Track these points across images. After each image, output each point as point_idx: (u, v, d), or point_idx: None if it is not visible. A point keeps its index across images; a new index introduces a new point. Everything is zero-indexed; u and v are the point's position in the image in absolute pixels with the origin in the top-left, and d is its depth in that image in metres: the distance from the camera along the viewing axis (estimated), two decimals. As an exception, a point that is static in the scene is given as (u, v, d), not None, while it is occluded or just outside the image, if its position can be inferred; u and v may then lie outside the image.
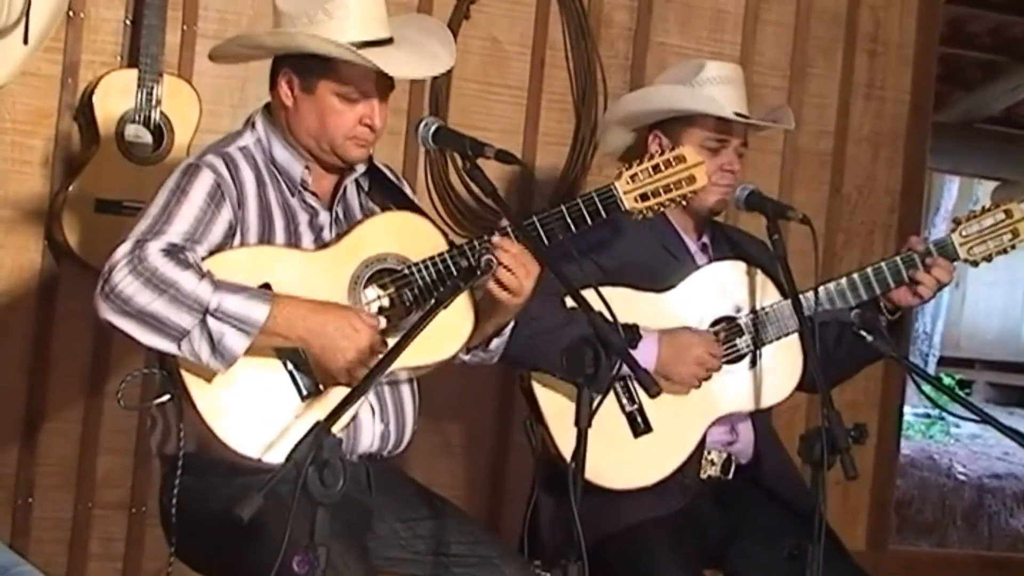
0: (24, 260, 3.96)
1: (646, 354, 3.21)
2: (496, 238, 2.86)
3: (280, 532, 2.31)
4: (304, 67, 2.89)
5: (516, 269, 2.84)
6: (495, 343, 3.07)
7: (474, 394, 4.07)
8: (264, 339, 2.71)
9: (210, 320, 2.65)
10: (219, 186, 2.83)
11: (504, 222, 2.91)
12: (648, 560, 3.15)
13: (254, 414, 2.75)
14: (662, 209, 3.05)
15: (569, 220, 2.97)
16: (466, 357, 3.06)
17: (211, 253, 2.78)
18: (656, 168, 3.02)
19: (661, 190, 3.02)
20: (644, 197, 3.01)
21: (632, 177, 3.01)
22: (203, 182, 2.82)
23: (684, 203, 3.12)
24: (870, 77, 4.93)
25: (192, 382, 2.73)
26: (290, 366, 2.79)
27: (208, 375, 2.72)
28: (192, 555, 2.90)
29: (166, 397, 2.78)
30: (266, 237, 2.88)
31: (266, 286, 2.77)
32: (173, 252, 2.70)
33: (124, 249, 2.69)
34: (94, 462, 4.04)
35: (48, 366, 3.99)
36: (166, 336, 2.66)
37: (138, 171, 3.84)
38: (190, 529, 2.80)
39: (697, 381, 3.28)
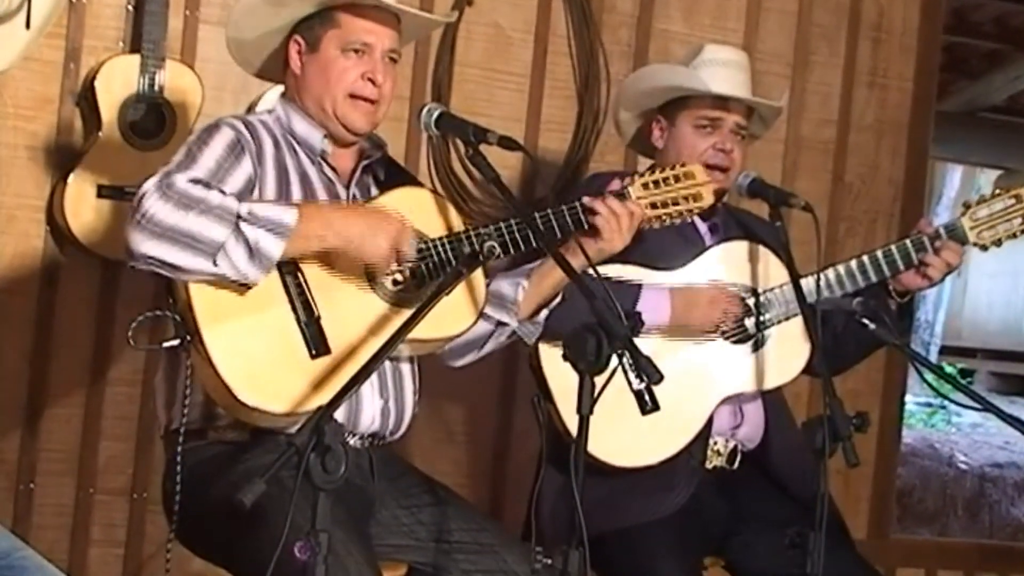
0: (26, 246, 3.96)
1: (659, 307, 3.26)
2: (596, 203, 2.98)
3: (282, 518, 2.31)
4: (310, 28, 2.96)
5: (612, 222, 2.96)
6: (543, 315, 3.11)
7: (476, 381, 4.07)
8: (301, 243, 2.72)
9: (243, 226, 2.65)
10: (239, 140, 2.87)
11: (626, 179, 3.06)
12: (649, 561, 3.16)
13: (261, 364, 2.74)
14: (668, 222, 3.07)
15: (582, 217, 3.00)
16: (515, 324, 3.09)
17: None
18: (666, 180, 3.08)
19: (669, 202, 3.07)
20: (653, 206, 3.06)
21: (644, 186, 3.06)
22: (223, 135, 2.86)
23: (689, 219, 3.14)
24: (873, 65, 4.92)
25: (204, 326, 2.71)
26: (303, 322, 2.79)
27: (220, 320, 2.71)
28: (194, 540, 2.90)
29: (176, 341, 2.77)
30: (283, 199, 2.90)
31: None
32: (199, 181, 2.71)
33: (152, 180, 2.69)
34: (96, 448, 4.05)
35: (50, 352, 4.00)
36: (201, 253, 2.64)
37: (140, 157, 3.84)
38: (192, 515, 2.80)
39: (715, 324, 3.29)
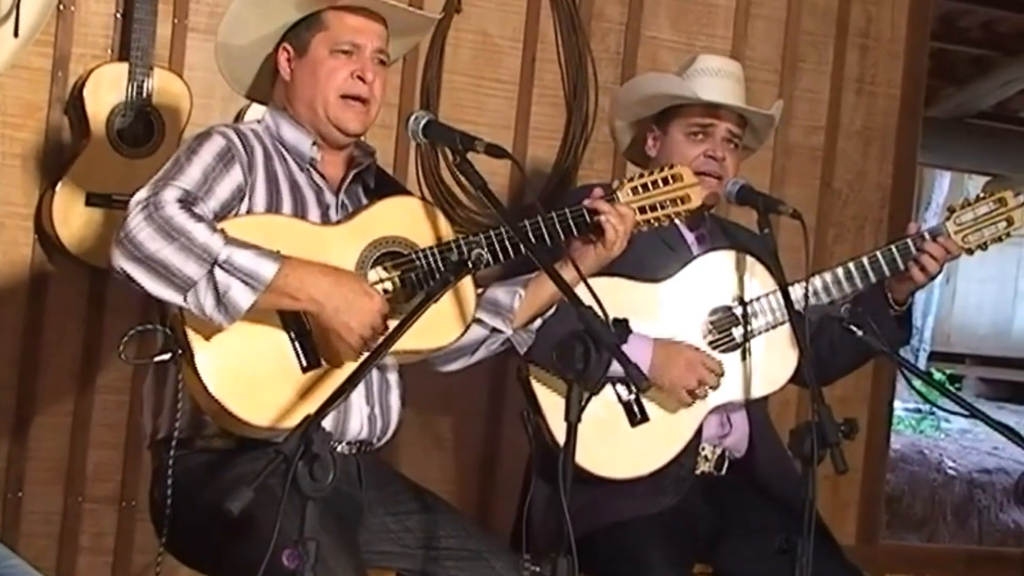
0: (14, 254, 3.96)
1: (639, 357, 3.23)
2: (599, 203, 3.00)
3: (270, 526, 2.31)
4: (298, 34, 2.98)
5: (619, 226, 2.97)
6: (536, 324, 3.12)
7: (465, 389, 4.07)
8: (272, 298, 2.70)
9: (217, 271, 2.64)
10: (229, 149, 2.86)
11: (615, 183, 3.06)
12: (639, 555, 3.15)
13: (252, 378, 2.75)
14: (656, 225, 3.07)
15: (572, 224, 3.01)
16: (509, 332, 3.09)
17: (221, 215, 2.79)
18: (655, 184, 3.08)
19: (658, 205, 3.08)
20: (642, 210, 3.07)
21: (633, 190, 3.07)
22: (214, 143, 2.86)
23: (677, 221, 3.14)
24: (861, 72, 4.93)
25: (195, 340, 2.72)
26: (294, 336, 2.79)
27: (211, 333, 2.71)
28: (182, 549, 2.90)
29: (167, 356, 2.77)
30: (273, 208, 2.90)
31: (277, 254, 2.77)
32: (187, 203, 2.71)
33: (140, 196, 2.70)
34: (84, 456, 4.04)
35: (38, 360, 3.99)
36: (173, 286, 2.65)
37: (129, 165, 3.84)
38: (180, 523, 2.80)
39: (686, 390, 3.27)
